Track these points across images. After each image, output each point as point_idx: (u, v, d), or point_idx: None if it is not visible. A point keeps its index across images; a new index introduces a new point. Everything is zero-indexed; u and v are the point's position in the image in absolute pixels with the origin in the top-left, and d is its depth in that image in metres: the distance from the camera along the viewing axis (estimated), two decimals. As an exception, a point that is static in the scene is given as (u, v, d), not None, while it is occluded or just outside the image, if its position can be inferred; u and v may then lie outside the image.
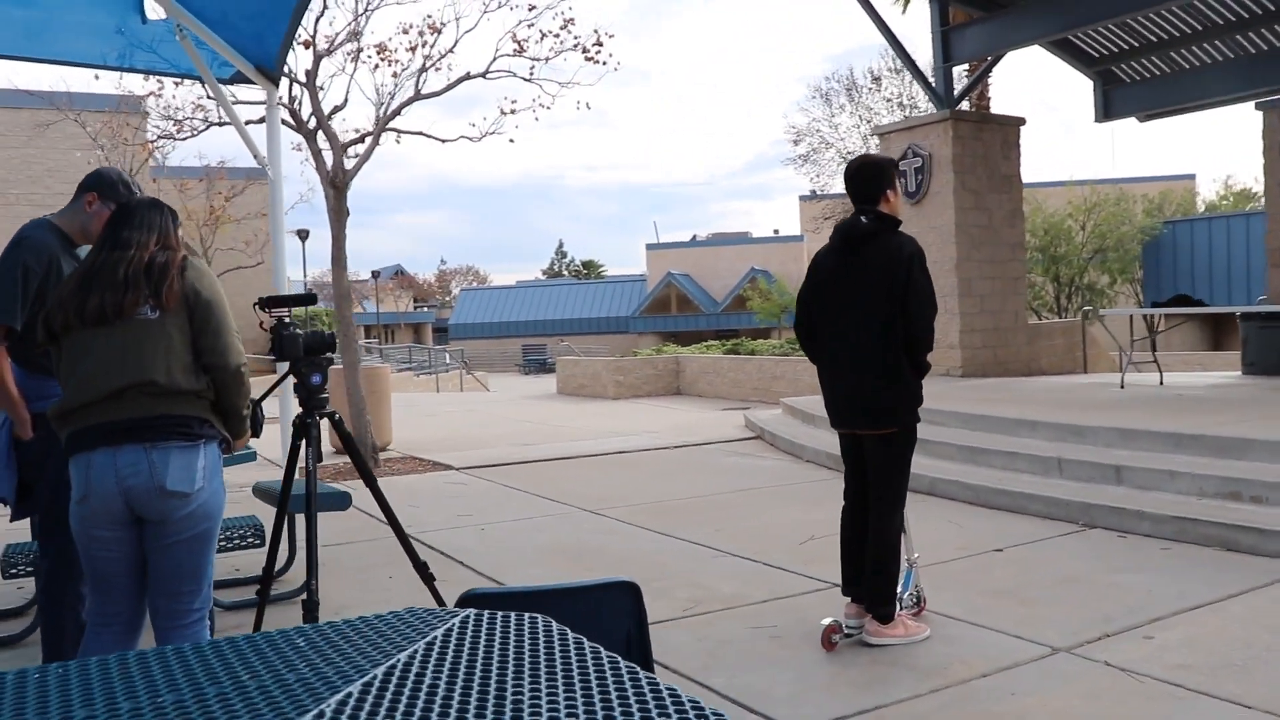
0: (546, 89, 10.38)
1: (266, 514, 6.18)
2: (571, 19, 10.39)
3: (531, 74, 10.59)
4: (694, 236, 59.39)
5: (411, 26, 10.40)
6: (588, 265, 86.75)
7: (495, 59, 10.16)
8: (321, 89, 11.66)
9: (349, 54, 10.43)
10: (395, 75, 10.74)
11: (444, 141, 10.88)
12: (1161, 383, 11.22)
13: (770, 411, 13.17)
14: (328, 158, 10.24)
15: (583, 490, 8.61)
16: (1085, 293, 28.57)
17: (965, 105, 14.43)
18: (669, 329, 49.77)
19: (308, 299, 3.93)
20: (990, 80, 17.00)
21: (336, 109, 10.47)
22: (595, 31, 10.36)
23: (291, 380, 3.97)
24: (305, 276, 33.64)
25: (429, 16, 10.36)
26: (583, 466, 10.11)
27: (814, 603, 5.03)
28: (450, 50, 10.08)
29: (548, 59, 10.64)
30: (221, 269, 28.74)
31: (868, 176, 4.37)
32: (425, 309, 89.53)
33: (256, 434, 5.73)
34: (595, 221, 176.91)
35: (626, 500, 8.10)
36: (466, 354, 51.44)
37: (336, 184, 10.00)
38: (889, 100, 30.41)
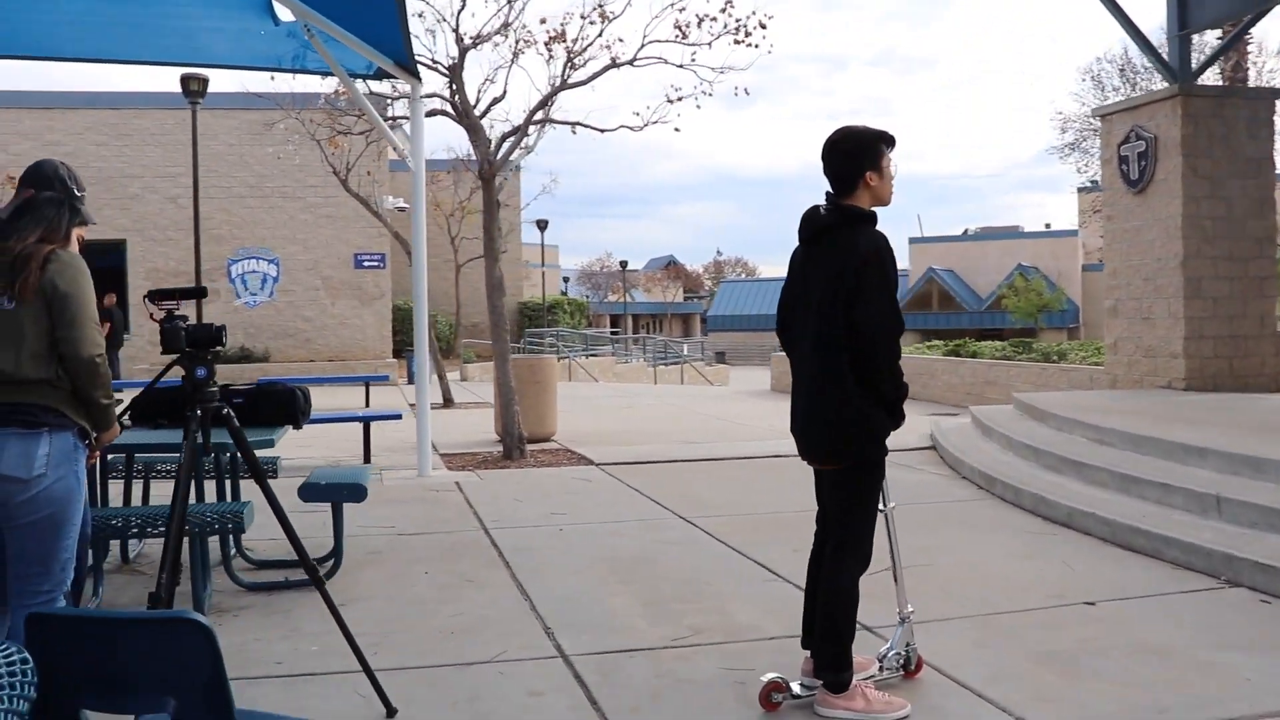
0: (703, 75, 9.89)
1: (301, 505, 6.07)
2: (731, 1, 9.88)
3: (694, 59, 10.16)
4: (965, 230, 56.66)
5: (569, 16, 10.20)
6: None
7: (644, 45, 9.79)
8: (490, 80, 11.71)
9: (512, 45, 10.35)
10: (573, 64, 10.56)
11: (602, 131, 10.62)
12: None
13: (958, 420, 12.12)
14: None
15: (700, 495, 8.13)
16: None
17: (1218, 80, 12.73)
18: (928, 326, 47.68)
19: (197, 292, 3.75)
20: (1249, 47, 14.89)
21: (496, 101, 10.43)
22: (753, 13, 9.79)
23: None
24: (543, 264, 34.64)
25: (600, 5, 10.07)
26: (722, 469, 9.60)
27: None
28: (599, 37, 9.78)
29: (710, 44, 10.18)
30: (467, 257, 29.95)
31: (844, 153, 3.63)
32: (696, 300, 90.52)
33: (295, 424, 5.68)
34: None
35: (734, 509, 7.57)
36: (722, 346, 51.49)
37: (484, 176, 9.97)
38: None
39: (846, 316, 3.50)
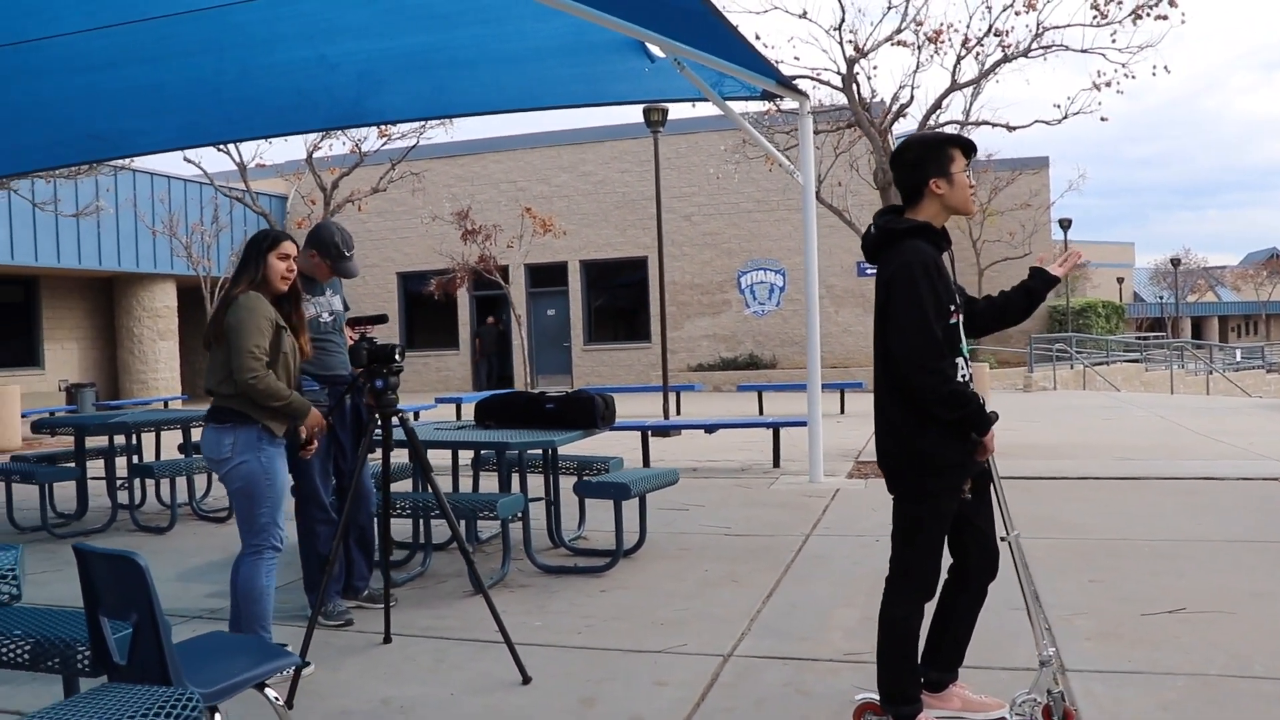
0: (1112, 57, 9.14)
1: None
2: (1147, -28, 9.02)
3: (1113, 39, 9.46)
4: None
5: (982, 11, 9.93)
6: None
7: (1039, 33, 9.24)
8: (907, 86, 11.70)
9: (915, 51, 10.33)
10: (1007, 56, 10.28)
11: (1012, 129, 10.15)
12: None
13: None
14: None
15: (1062, 514, 7.62)
16: None
17: None
18: None
19: (380, 319, 4.53)
20: None
21: (903, 107, 10.44)
22: (1169, -17, 8.84)
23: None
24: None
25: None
26: (1124, 489, 8.78)
27: (1019, 682, 4.09)
28: (988, 34, 9.41)
29: (1135, 18, 9.38)
30: (989, 261, 29.25)
31: (907, 163, 3.47)
32: (1305, 296, 78.71)
33: (593, 427, 6.38)
34: None
35: (1082, 532, 7.04)
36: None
37: (878, 184, 10.04)
38: None
39: (884, 339, 3.40)
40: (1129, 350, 29.55)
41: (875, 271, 3.54)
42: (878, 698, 3.64)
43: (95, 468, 8.71)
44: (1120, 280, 48.53)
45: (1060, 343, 25.85)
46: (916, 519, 3.47)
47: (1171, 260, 48.05)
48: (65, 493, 8.72)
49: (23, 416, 15.36)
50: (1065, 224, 30.13)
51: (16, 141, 9.85)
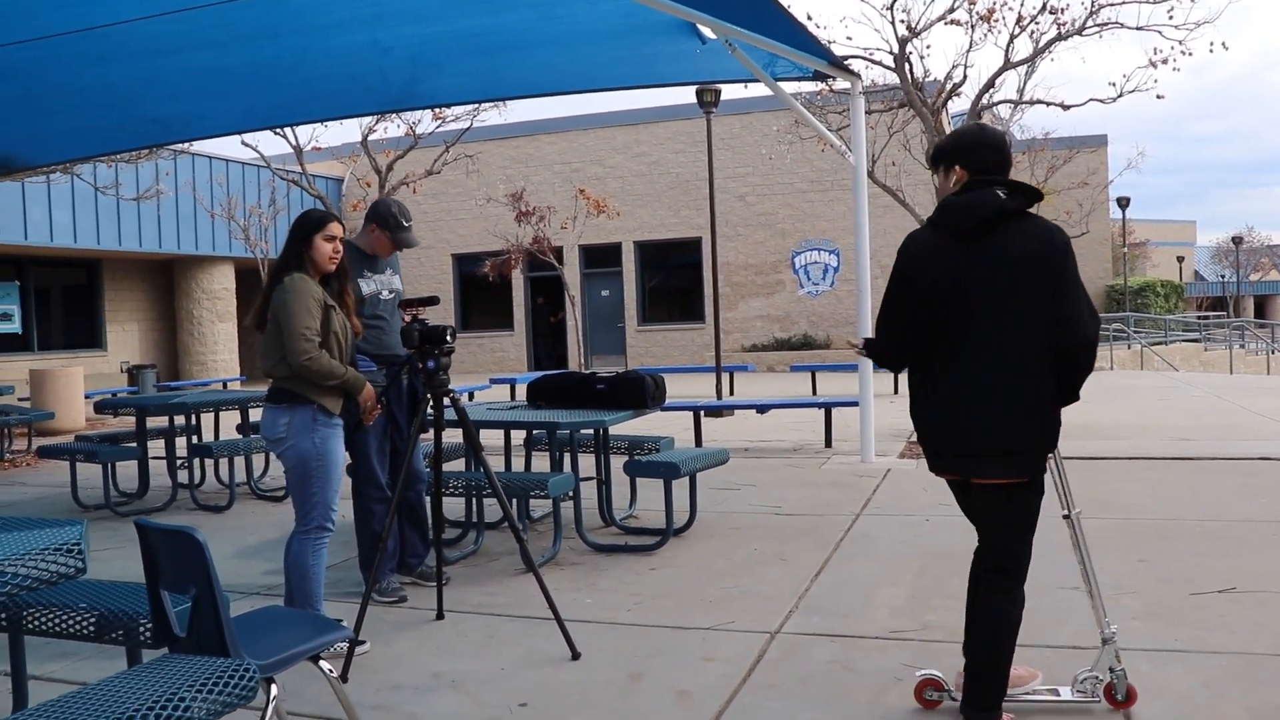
0: (1168, 34, 8.94)
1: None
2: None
3: (1170, 16, 9.27)
4: None
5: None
6: None
7: (1094, 11, 9.07)
8: (964, 65, 11.55)
9: (968, 30, 10.20)
10: (1062, 34, 10.14)
11: (1066, 108, 9.99)
12: None
13: None
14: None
15: (1110, 495, 7.53)
16: None
17: None
18: None
19: (431, 300, 4.59)
20: None
21: (956, 87, 10.32)
22: (1234, -45, 8.62)
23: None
24: (1125, 245, 31.61)
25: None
26: (1177, 469, 8.64)
27: (1061, 659, 4.08)
28: (1042, 11, 9.25)
29: (1194, -7, 9.16)
30: (1046, 240, 28.77)
31: (1006, 149, 3.49)
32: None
33: (643, 407, 6.43)
34: None
35: (1130, 512, 6.99)
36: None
37: (930, 165, 9.94)
38: None
39: (1047, 313, 3.25)
40: (1188, 330, 28.97)
41: (1004, 237, 3.31)
42: (935, 674, 3.64)
43: (156, 447, 8.95)
44: (1180, 259, 47.49)
45: (1118, 323, 25.41)
46: (1035, 506, 3.42)
47: (1233, 239, 46.95)
48: (127, 472, 8.94)
49: (86, 397, 15.72)
50: (1123, 203, 29.57)
51: (81, 125, 10.09)
